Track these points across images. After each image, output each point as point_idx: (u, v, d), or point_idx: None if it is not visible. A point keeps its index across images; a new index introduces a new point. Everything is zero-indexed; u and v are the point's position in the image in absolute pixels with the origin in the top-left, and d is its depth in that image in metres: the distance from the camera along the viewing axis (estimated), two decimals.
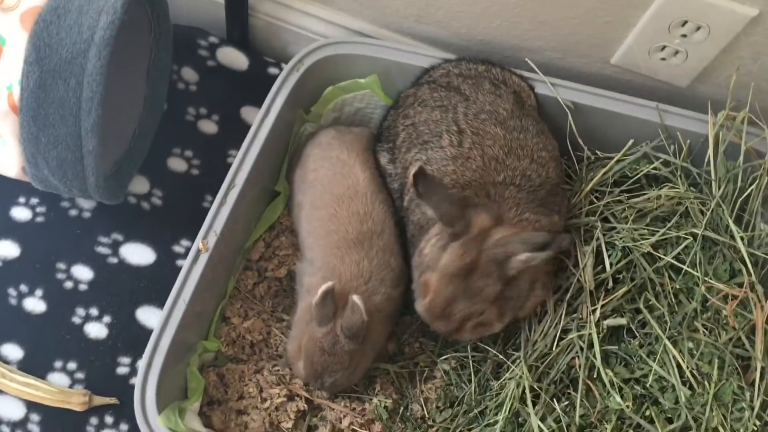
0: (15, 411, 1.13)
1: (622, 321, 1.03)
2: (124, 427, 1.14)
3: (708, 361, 0.98)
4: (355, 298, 1.03)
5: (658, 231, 1.07)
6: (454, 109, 1.11)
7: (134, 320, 1.21)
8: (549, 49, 1.25)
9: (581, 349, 1.02)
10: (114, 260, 1.25)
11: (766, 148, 1.12)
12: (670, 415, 0.97)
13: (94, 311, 1.21)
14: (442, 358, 1.15)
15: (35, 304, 1.20)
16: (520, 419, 1.02)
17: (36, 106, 1.05)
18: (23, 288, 1.21)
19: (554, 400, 1.01)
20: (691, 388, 0.97)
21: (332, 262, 1.12)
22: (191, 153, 1.36)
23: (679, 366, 0.98)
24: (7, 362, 1.16)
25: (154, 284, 1.23)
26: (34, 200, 1.28)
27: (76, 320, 1.20)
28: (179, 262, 1.26)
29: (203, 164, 1.36)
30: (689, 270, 1.04)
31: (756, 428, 0.93)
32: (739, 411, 0.95)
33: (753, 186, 1.09)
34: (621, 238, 1.08)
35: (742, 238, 1.03)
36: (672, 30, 1.12)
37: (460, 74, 1.19)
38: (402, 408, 1.13)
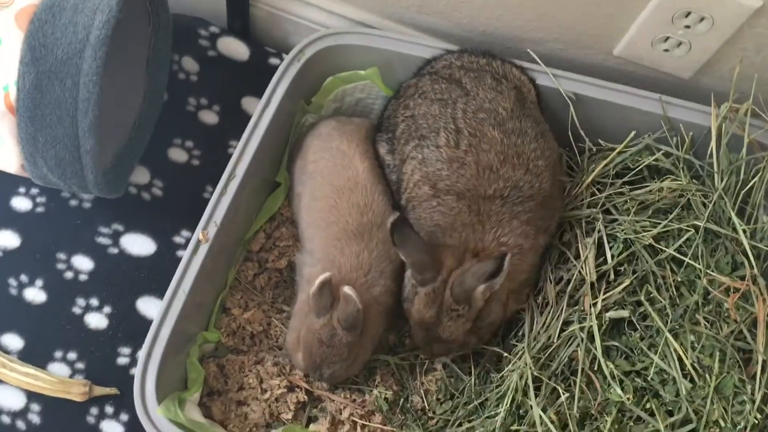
0: (15, 401, 1.13)
1: (624, 313, 1.02)
2: (124, 417, 1.14)
3: (709, 354, 0.98)
4: (347, 289, 1.02)
5: (660, 223, 1.07)
6: (454, 105, 1.11)
7: (134, 311, 1.21)
8: (551, 40, 1.24)
9: (582, 341, 1.02)
10: (114, 250, 1.25)
11: None
12: (670, 408, 0.97)
13: (94, 301, 1.21)
14: None
15: (35, 294, 1.20)
16: (521, 411, 1.02)
17: (33, 106, 1.04)
18: (23, 278, 1.21)
19: (556, 391, 1.01)
20: (692, 381, 0.97)
21: (332, 254, 1.12)
22: (192, 143, 1.36)
23: (680, 359, 0.98)
24: (7, 352, 1.16)
25: (155, 275, 1.23)
26: (34, 190, 1.28)
27: (77, 310, 1.20)
28: (179, 253, 1.25)
29: (204, 155, 1.35)
30: (691, 262, 1.04)
31: (757, 421, 0.93)
32: (740, 404, 0.95)
33: (756, 178, 1.09)
34: (623, 230, 1.07)
35: (744, 231, 1.03)
36: (675, 21, 1.12)
37: (462, 66, 1.18)
38: (402, 399, 1.13)
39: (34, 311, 1.19)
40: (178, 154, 1.35)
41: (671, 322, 1.01)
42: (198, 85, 1.40)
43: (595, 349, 1.01)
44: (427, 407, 1.12)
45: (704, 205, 1.09)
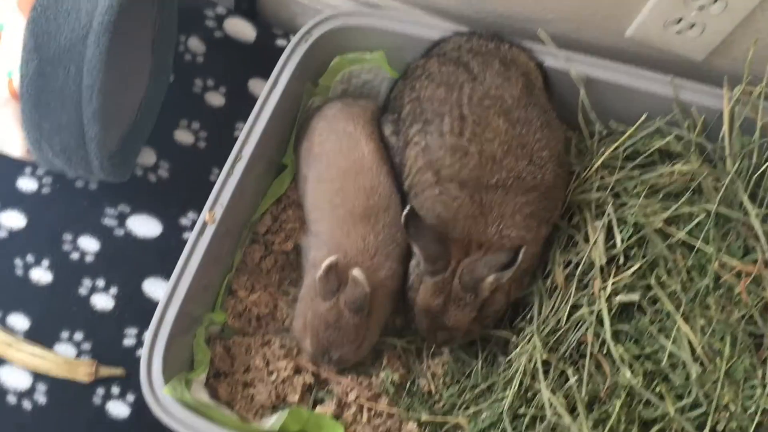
0: (22, 381, 1.13)
1: (634, 297, 1.01)
2: (130, 397, 1.14)
3: (720, 338, 0.97)
4: (356, 272, 1.02)
5: (670, 207, 1.06)
6: (460, 89, 1.10)
7: (140, 292, 1.21)
8: (562, 21, 1.22)
9: (591, 324, 1.01)
10: (120, 232, 1.24)
11: None
12: (680, 392, 0.96)
13: (100, 282, 1.21)
14: None
15: (42, 275, 1.20)
16: (528, 394, 1.02)
17: (36, 93, 1.03)
18: (30, 258, 1.21)
19: (564, 375, 1.00)
20: (702, 364, 0.96)
21: (338, 237, 1.11)
22: (198, 125, 1.35)
23: (690, 343, 0.97)
24: (13, 332, 1.16)
25: (161, 256, 1.23)
26: (40, 171, 1.27)
27: (83, 291, 1.20)
28: (186, 235, 1.25)
29: (210, 136, 1.34)
30: (702, 247, 1.02)
31: None
32: (750, 388, 0.94)
33: None
34: (632, 214, 1.06)
35: (756, 215, 1.02)
36: (688, 2, 1.10)
37: (470, 50, 1.17)
38: (409, 383, 1.12)
39: (41, 292, 1.19)
40: (184, 136, 1.34)
41: (683, 305, 1.00)
42: (204, 66, 1.39)
43: (605, 332, 1.00)
44: (434, 390, 1.12)
45: (716, 189, 1.07)
